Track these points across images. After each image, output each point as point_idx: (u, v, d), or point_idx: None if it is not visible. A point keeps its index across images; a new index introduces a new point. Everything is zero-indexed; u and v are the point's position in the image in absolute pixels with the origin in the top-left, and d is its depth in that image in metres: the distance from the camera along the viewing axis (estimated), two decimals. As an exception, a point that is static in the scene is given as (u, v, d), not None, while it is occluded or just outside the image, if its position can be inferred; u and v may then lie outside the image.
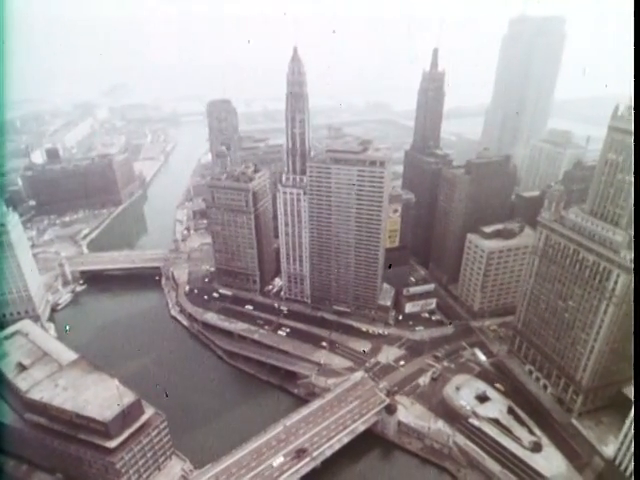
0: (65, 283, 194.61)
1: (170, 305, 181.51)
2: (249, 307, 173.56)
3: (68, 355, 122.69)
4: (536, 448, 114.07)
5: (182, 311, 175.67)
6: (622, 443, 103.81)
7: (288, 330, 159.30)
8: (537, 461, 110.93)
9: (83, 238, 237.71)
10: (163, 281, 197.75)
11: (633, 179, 74.80)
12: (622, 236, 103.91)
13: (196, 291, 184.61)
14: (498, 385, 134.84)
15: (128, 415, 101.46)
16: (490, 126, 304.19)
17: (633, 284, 79.56)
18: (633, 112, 69.36)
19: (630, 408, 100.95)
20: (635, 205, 76.94)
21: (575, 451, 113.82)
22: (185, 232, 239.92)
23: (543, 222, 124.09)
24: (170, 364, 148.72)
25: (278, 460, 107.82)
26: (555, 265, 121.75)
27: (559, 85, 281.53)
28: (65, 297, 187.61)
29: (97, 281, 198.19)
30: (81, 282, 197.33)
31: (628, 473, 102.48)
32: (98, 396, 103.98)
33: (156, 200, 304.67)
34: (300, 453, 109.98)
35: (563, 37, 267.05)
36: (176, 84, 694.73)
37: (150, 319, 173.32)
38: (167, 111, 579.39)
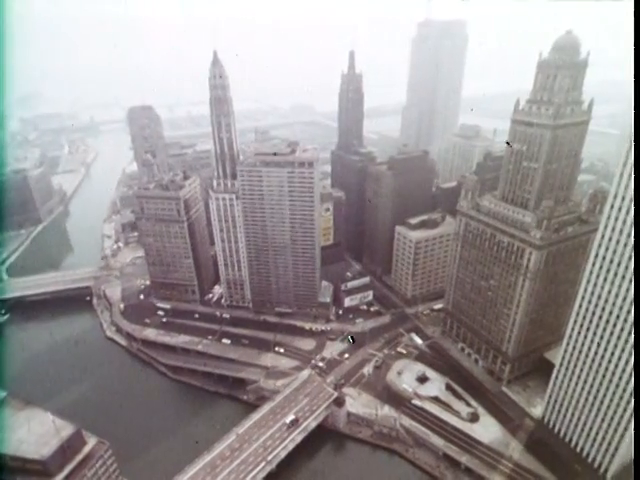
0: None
1: (105, 326, 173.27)
2: (160, 313, 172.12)
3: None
4: (474, 419, 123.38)
5: (119, 330, 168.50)
6: (548, 403, 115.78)
7: (232, 337, 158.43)
8: (476, 430, 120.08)
9: (1, 263, 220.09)
10: (95, 301, 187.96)
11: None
12: (531, 217, 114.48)
13: (132, 308, 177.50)
14: (401, 349, 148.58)
15: (68, 449, 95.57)
16: (407, 123, 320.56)
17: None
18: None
19: (552, 370, 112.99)
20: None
21: (508, 416, 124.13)
22: (115, 247, 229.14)
23: (461, 210, 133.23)
24: (111, 388, 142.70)
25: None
26: (475, 249, 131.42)
27: (466, 83, 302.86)
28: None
29: (21, 309, 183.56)
30: (3, 312, 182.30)
31: (556, 430, 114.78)
32: (33, 433, 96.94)
33: (80, 215, 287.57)
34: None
35: (466, 39, 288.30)
36: (92, 90, 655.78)
37: (84, 343, 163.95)
38: (85, 120, 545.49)
